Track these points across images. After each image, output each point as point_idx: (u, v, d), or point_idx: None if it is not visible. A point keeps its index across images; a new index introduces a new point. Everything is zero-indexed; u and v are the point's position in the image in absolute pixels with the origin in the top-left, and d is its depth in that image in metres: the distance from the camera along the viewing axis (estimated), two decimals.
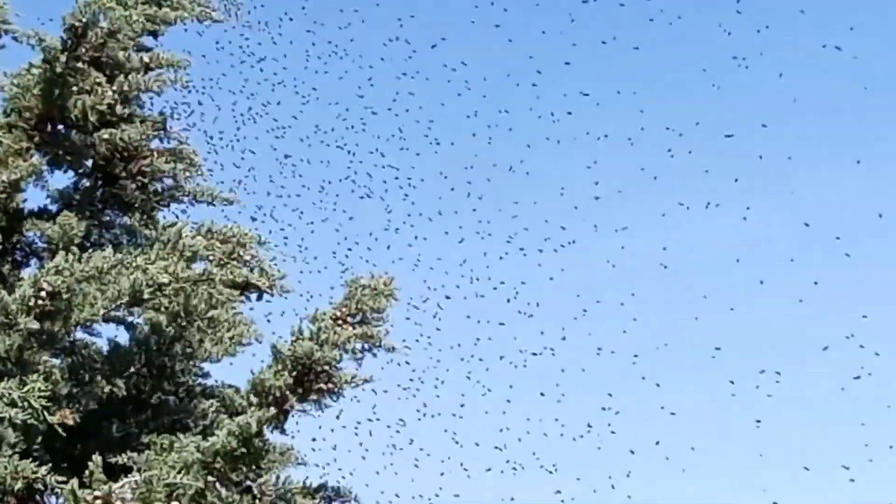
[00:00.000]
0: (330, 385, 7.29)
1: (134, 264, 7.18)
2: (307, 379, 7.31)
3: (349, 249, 16.03)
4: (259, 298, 8.75)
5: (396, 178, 16.95)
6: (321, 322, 7.68)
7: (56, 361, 7.56)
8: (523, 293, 16.49)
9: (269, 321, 8.98)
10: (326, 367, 7.28)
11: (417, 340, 15.22)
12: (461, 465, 15.21)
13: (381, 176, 17.14)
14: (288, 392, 7.29)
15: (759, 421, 15.19)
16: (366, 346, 7.54)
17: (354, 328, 7.76)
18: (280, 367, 7.31)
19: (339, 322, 7.81)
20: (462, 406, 15.63)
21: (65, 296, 6.93)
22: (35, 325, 6.85)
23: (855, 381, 15.09)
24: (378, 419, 14.52)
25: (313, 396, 7.38)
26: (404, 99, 17.66)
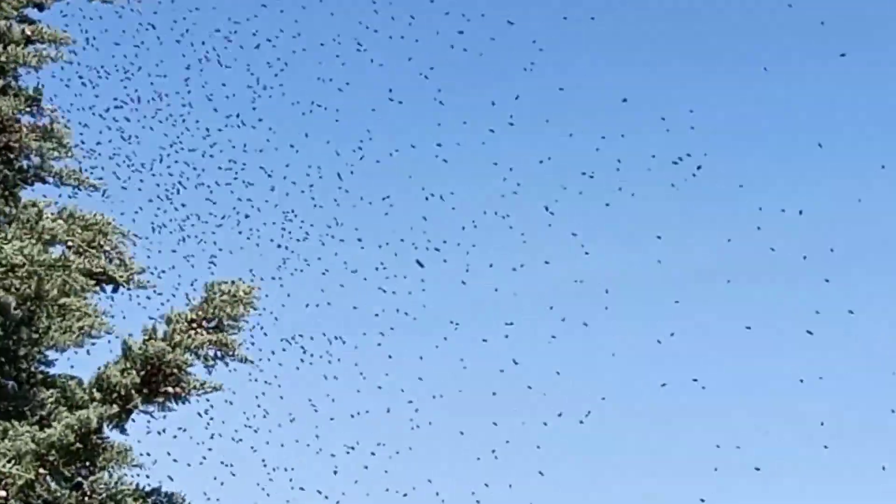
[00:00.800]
0: (178, 389, 7.15)
1: None
2: (155, 380, 7.16)
3: (214, 257, 15.75)
4: (115, 290, 8.52)
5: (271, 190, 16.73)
6: (176, 324, 7.54)
7: None
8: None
9: (123, 317, 8.76)
10: (176, 371, 7.14)
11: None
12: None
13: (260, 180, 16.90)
14: (134, 391, 7.13)
15: None
16: (219, 353, 7.42)
17: (209, 333, 7.64)
18: (129, 364, 7.15)
19: (195, 325, 7.68)
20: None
21: None
22: None
23: None
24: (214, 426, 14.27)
25: (159, 398, 7.23)
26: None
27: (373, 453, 14.04)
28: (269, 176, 16.05)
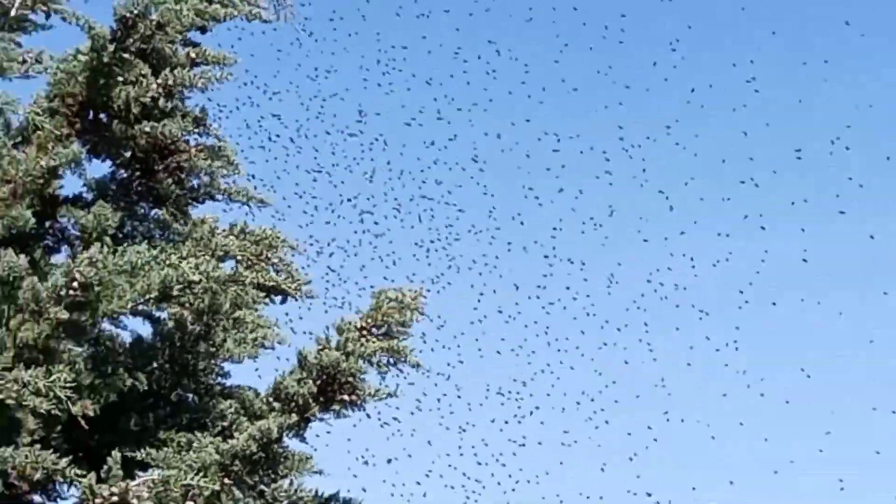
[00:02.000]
0: (354, 397, 7.27)
1: (167, 261, 7.15)
2: (331, 389, 7.29)
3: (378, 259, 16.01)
4: (283, 301, 8.72)
5: (428, 199, 16.90)
6: (348, 332, 7.66)
7: (80, 350, 7.52)
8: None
9: (291, 329, 8.94)
10: (351, 379, 7.26)
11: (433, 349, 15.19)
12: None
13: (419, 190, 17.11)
14: (311, 400, 7.27)
15: None
16: (391, 359, 7.52)
17: (379, 340, 7.74)
18: (304, 374, 7.29)
19: (364, 333, 7.79)
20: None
21: (96, 287, 6.91)
22: (65, 315, 6.83)
23: None
24: (393, 427, 14.49)
25: (336, 406, 7.36)
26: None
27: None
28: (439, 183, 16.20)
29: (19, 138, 8.03)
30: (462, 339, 15.98)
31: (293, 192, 16.25)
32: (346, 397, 7.25)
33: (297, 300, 8.80)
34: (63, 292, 6.84)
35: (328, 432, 7.99)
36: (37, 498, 7.68)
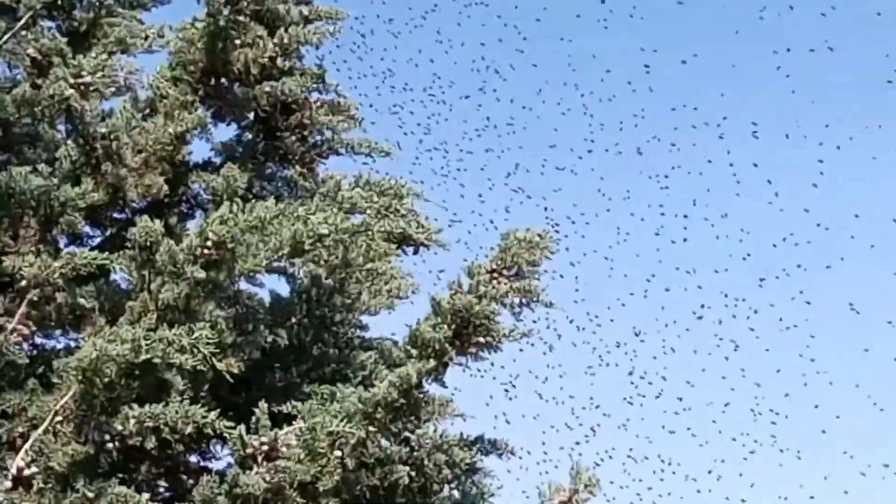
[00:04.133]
0: (489, 339, 7.26)
1: (295, 215, 7.24)
2: (466, 332, 7.29)
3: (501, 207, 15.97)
4: (416, 252, 8.77)
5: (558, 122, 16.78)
6: (479, 276, 7.66)
7: (221, 312, 7.69)
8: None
9: (435, 276, 8.98)
10: (485, 321, 7.25)
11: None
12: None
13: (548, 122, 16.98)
14: (447, 345, 7.29)
15: None
16: (523, 300, 7.49)
17: (510, 282, 7.72)
18: (439, 319, 7.32)
19: (495, 276, 7.77)
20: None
21: (229, 245, 7.03)
22: (202, 274, 6.97)
23: None
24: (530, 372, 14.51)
25: (472, 349, 7.37)
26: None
27: None
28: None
29: (147, 109, 8.23)
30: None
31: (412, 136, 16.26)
32: (480, 339, 7.25)
33: (428, 249, 8.84)
34: (198, 252, 6.98)
35: (472, 375, 8.02)
36: (192, 459, 7.93)
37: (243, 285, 7.94)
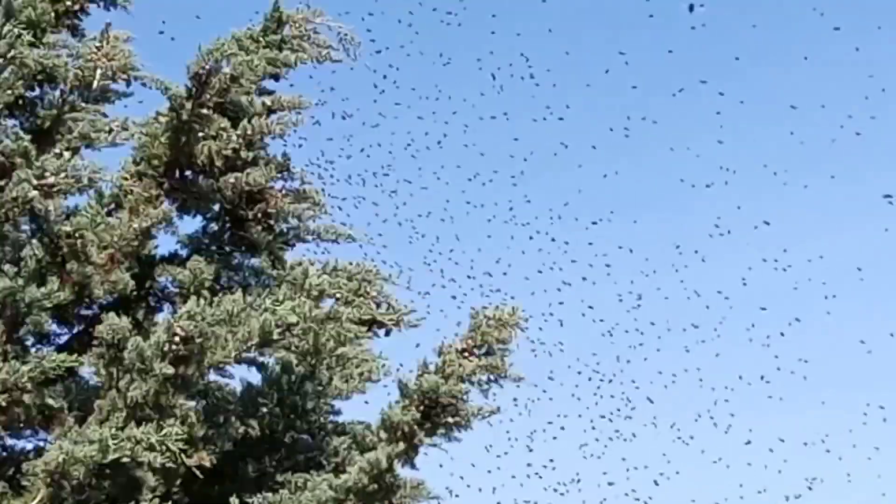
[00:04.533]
0: (457, 418, 7.29)
1: (263, 306, 7.28)
2: (434, 413, 7.31)
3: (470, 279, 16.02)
4: (387, 334, 8.80)
5: (511, 209, 16.89)
6: (447, 355, 7.69)
7: (192, 404, 7.69)
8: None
9: (398, 361, 9.02)
10: (453, 401, 7.28)
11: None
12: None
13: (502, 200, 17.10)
14: (416, 427, 7.31)
15: None
16: (491, 377, 7.52)
17: (479, 359, 7.76)
18: (407, 402, 7.34)
19: (465, 354, 7.81)
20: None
21: (197, 340, 7.06)
22: (170, 370, 6.99)
23: None
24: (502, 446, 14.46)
25: (441, 430, 7.38)
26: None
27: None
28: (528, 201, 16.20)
29: (112, 205, 8.27)
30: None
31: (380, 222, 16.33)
32: (449, 419, 7.28)
33: (400, 330, 8.87)
34: (166, 348, 7.00)
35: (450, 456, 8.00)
36: None
37: (213, 376, 7.95)
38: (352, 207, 15.20)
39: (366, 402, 8.28)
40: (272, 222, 8.36)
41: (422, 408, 7.20)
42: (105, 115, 8.90)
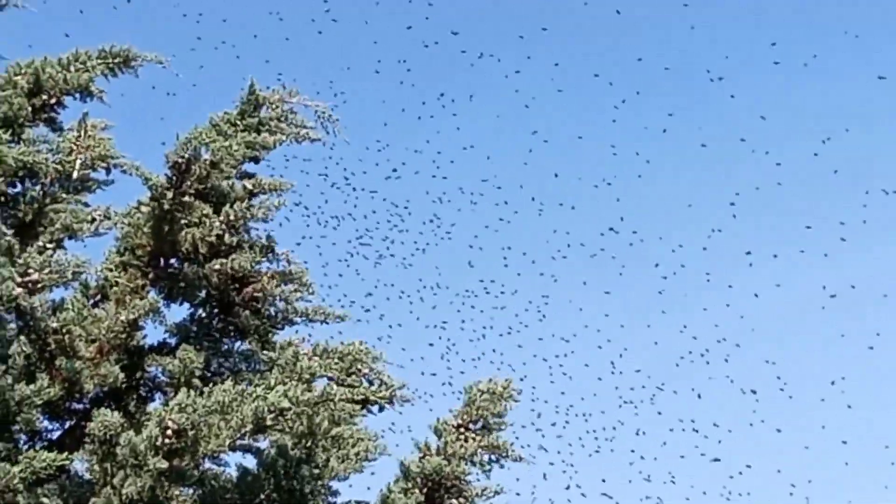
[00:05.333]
0: (461, 500, 7.21)
1: (255, 393, 7.21)
2: (438, 495, 7.25)
3: (454, 352, 15.97)
4: (381, 411, 8.73)
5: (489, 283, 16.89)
6: (446, 434, 7.64)
7: (189, 492, 7.59)
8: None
9: (394, 436, 8.95)
10: (456, 482, 7.21)
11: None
12: None
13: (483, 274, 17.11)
14: None
15: None
16: (492, 456, 7.47)
17: (479, 437, 7.71)
18: (410, 484, 7.27)
19: (462, 430, 7.76)
20: None
21: (190, 432, 6.98)
22: (164, 465, 6.90)
23: None
24: None
25: None
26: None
27: None
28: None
29: (98, 296, 8.21)
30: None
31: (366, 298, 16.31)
32: (453, 501, 7.20)
33: (393, 406, 8.79)
34: (159, 442, 6.92)
35: None
36: None
37: (208, 464, 7.85)
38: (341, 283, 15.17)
39: (368, 488, 8.18)
40: (260, 306, 8.31)
41: (425, 490, 7.14)
42: (87, 205, 8.86)
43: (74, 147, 8.65)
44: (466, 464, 7.20)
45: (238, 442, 7.54)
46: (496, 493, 7.28)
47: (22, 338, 7.78)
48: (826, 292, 16.17)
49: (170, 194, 7.96)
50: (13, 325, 7.92)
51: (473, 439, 7.39)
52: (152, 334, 8.24)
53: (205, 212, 8.10)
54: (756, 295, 17.04)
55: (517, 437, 7.80)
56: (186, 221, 8.07)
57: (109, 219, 8.76)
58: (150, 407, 8.13)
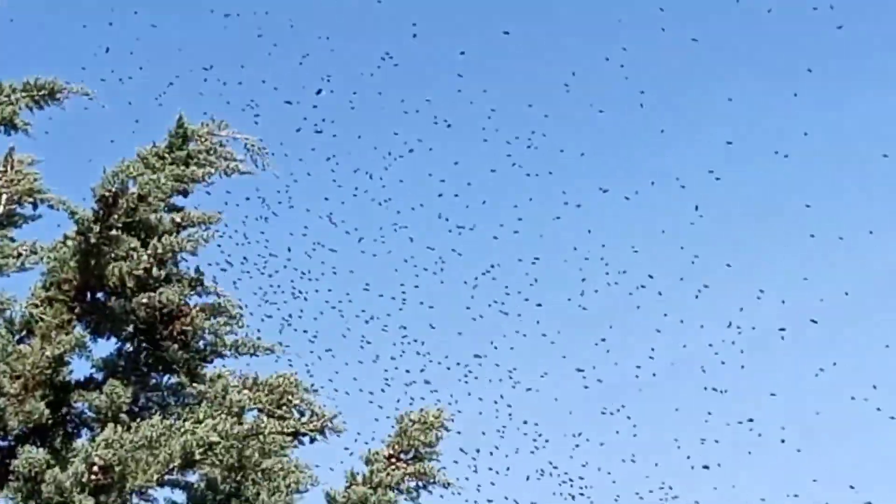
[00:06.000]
0: None
1: (183, 428, 7.17)
2: None
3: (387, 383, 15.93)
4: (312, 442, 8.70)
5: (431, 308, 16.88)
6: (375, 463, 7.64)
7: None
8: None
9: (326, 466, 8.92)
10: None
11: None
12: None
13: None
14: None
15: None
16: (420, 483, 7.48)
17: (408, 465, 7.72)
18: None
19: (394, 460, 7.77)
20: None
21: (117, 468, 6.94)
22: (90, 502, 6.86)
23: None
24: None
25: None
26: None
27: None
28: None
29: (23, 332, 8.12)
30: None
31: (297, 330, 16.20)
32: None
33: (325, 437, 8.78)
34: (85, 478, 6.87)
35: None
36: None
37: (136, 500, 7.78)
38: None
39: None
40: (188, 339, 8.26)
41: None
42: (12, 240, 8.79)
43: (0, 182, 8.59)
44: (393, 492, 7.20)
45: (167, 477, 7.50)
46: None
47: None
48: None
49: (97, 228, 7.90)
50: None
51: (402, 467, 7.40)
52: (79, 369, 8.18)
53: (132, 245, 8.05)
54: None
55: (456, 462, 7.82)
56: (114, 255, 8.02)
57: (36, 254, 8.68)
58: (77, 443, 8.03)
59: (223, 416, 7.66)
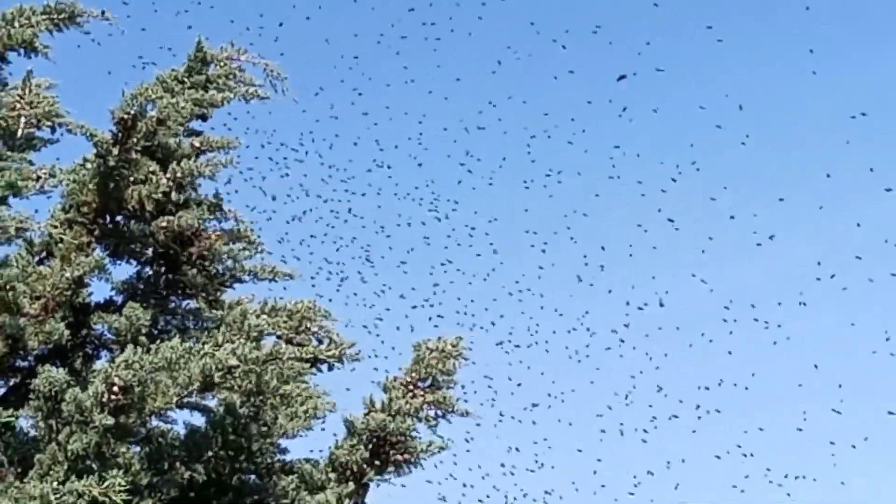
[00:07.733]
0: (406, 455, 7.24)
1: (202, 350, 7.18)
2: (383, 451, 7.27)
3: (410, 308, 15.98)
4: (330, 369, 8.74)
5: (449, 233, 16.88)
6: (393, 391, 7.66)
7: (136, 449, 7.56)
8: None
9: (347, 390, 8.95)
10: (401, 438, 7.24)
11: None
12: None
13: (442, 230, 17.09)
14: (365, 465, 7.26)
15: None
16: (438, 412, 7.50)
17: (425, 393, 7.74)
18: (355, 441, 7.29)
19: (410, 388, 7.78)
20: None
21: (137, 388, 6.95)
22: (110, 421, 6.87)
23: None
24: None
25: (391, 468, 7.34)
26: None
27: None
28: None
29: (43, 253, 8.14)
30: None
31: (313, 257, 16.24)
32: (399, 457, 7.23)
33: (343, 365, 8.81)
34: (105, 398, 6.89)
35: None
36: None
37: (155, 422, 7.83)
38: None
39: (310, 451, 8.18)
40: (207, 264, 8.27)
41: (370, 446, 7.15)
42: (31, 163, 8.77)
43: (18, 104, 8.55)
44: (412, 419, 7.22)
45: (185, 399, 7.52)
46: (442, 448, 7.31)
47: None
48: None
49: (115, 151, 7.88)
50: None
51: (420, 396, 7.41)
52: (98, 292, 8.20)
53: (151, 169, 8.03)
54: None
55: (475, 392, 7.85)
56: (133, 178, 8.00)
57: (55, 176, 8.67)
58: (97, 364, 8.08)
59: (242, 340, 7.66)
